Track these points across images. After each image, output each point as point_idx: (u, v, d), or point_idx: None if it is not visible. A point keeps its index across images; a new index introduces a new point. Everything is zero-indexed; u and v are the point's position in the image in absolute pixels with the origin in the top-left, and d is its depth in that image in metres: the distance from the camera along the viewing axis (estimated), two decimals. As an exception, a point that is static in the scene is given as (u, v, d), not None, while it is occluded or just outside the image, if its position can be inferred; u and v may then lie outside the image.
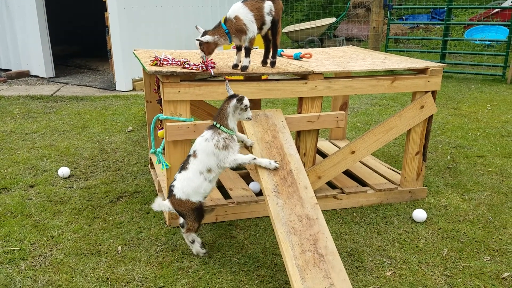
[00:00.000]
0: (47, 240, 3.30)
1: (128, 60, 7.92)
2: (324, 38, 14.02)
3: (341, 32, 14.48)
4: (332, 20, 13.74)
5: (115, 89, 8.14)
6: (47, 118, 6.31)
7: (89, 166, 4.68)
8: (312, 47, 12.80)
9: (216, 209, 3.61)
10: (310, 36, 13.32)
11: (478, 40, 11.77)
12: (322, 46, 13.17)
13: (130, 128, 5.97)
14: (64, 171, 4.35)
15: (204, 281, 2.89)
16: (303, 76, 3.58)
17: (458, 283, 2.96)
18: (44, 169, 4.56)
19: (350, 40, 13.85)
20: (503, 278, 3.01)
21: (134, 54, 4.16)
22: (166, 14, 8.71)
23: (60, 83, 8.54)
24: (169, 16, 8.78)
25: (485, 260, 3.22)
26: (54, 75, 9.00)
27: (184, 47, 8.84)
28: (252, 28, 3.32)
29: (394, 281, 2.99)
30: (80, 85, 8.37)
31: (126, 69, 8.04)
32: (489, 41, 11.72)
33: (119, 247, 3.24)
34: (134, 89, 8.24)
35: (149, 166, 4.69)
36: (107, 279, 2.90)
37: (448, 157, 5.20)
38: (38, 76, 9.03)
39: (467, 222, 3.74)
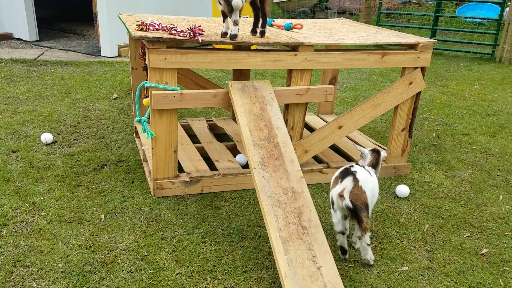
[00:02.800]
0: (29, 207, 3.26)
1: (114, 25, 7.69)
2: (316, 10, 13.81)
3: (333, 5, 14.27)
4: (324, -9, 13.51)
5: (100, 55, 7.95)
6: (30, 82, 6.15)
7: (72, 133, 4.60)
8: (303, 18, 12.60)
9: (202, 180, 3.59)
10: (302, 7, 13.10)
11: (469, 18, 11.71)
12: (313, 18, 12.97)
13: (115, 95, 5.86)
14: (47, 137, 4.27)
15: (188, 251, 2.90)
16: (293, 48, 3.51)
17: (438, 258, 3.02)
18: (26, 134, 4.47)
19: (342, 13, 13.67)
20: (482, 254, 3.07)
21: (120, 18, 4.03)
22: (154, -22, 8.44)
23: (44, 47, 8.29)
24: (158, -20, 8.51)
25: (465, 236, 3.28)
26: (38, 39, 8.73)
27: (172, 12, 8.61)
28: None
29: (375, 254, 3.03)
30: (64, 49, 8.14)
31: (111, 35, 7.83)
32: (480, 18, 11.68)
33: (102, 215, 3.21)
34: (119, 55, 8.06)
35: (134, 135, 4.62)
36: (90, 246, 2.88)
37: (434, 134, 5.23)
38: (21, 39, 8.74)
39: (449, 198, 3.79)
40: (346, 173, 2.79)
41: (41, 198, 3.37)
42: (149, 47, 3.14)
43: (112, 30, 7.79)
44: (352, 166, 2.89)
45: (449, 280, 2.81)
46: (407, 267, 2.91)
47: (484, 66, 8.91)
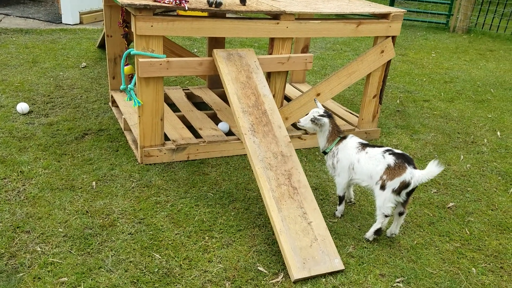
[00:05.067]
0: (18, 176, 3.25)
1: (75, -9, 7.43)
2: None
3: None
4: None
5: (61, 22, 7.66)
6: (-8, 51, 5.90)
7: (47, 103, 4.52)
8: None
9: (188, 148, 3.69)
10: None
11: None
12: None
13: (84, 64, 5.75)
14: (23, 107, 4.19)
15: (183, 213, 3.04)
16: (275, 16, 3.62)
17: (410, 212, 3.32)
18: (0, 104, 4.35)
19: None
20: (448, 207, 3.41)
21: (96, -15, 3.96)
22: None
23: (0, 14, 7.87)
24: None
25: (432, 192, 3.60)
26: (-9, 4, 8.29)
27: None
28: None
29: (355, 210, 3.30)
30: (22, 17, 7.76)
31: (73, 1, 7.55)
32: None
33: (94, 183, 3.27)
34: (81, 23, 7.80)
35: (110, 103, 4.61)
36: (87, 211, 2.96)
37: (398, 101, 5.55)
38: (-29, 4, 8.26)
39: (416, 159, 4.11)
40: (403, 156, 2.80)
41: (28, 167, 3.37)
42: (135, 15, 3.15)
43: (73, -4, 7.51)
44: (388, 148, 2.88)
45: (422, 230, 3.13)
46: (384, 221, 3.19)
47: (439, 35, 9.35)
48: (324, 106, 4.85)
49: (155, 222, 2.92)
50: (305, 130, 3.83)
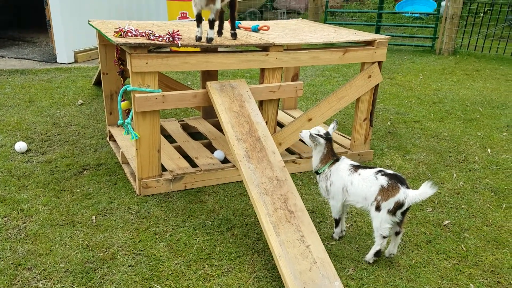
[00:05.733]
0: (18, 214, 3.29)
1: (69, 31, 7.62)
2: (264, 10, 14.15)
3: (280, 4, 14.68)
4: (271, -9, 13.86)
5: (56, 62, 7.82)
6: (-12, 92, 6.01)
7: (45, 141, 4.60)
8: (252, 19, 12.90)
9: (185, 177, 3.76)
10: (251, 8, 13.39)
11: (409, 13, 12.49)
12: (262, 18, 13.30)
13: (80, 101, 5.86)
14: (21, 145, 4.26)
15: (182, 243, 3.07)
16: (264, 48, 3.76)
17: (407, 231, 3.37)
18: (-2, 144, 4.43)
19: (289, 13, 14.09)
20: (444, 225, 3.47)
21: (91, 25, 4.11)
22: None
23: (-5, 55, 8.05)
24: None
25: (428, 211, 3.67)
26: (-14, 47, 8.46)
27: (126, 17, 8.61)
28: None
29: (352, 232, 3.34)
30: (17, 58, 7.93)
31: (67, 41, 7.74)
32: (418, 13, 12.49)
33: (93, 217, 3.31)
34: (76, 61, 7.97)
35: (108, 138, 4.69)
36: (87, 246, 2.99)
37: (388, 123, 5.66)
38: (-33, 48, 8.43)
39: (410, 179, 4.19)
40: (396, 177, 2.88)
41: (28, 204, 3.41)
42: (130, 53, 3.27)
43: (68, 36, 7.69)
44: (380, 169, 2.94)
45: (419, 249, 3.17)
46: (381, 241, 3.24)
47: (425, 58, 9.59)
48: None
49: (154, 253, 2.96)
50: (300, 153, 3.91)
